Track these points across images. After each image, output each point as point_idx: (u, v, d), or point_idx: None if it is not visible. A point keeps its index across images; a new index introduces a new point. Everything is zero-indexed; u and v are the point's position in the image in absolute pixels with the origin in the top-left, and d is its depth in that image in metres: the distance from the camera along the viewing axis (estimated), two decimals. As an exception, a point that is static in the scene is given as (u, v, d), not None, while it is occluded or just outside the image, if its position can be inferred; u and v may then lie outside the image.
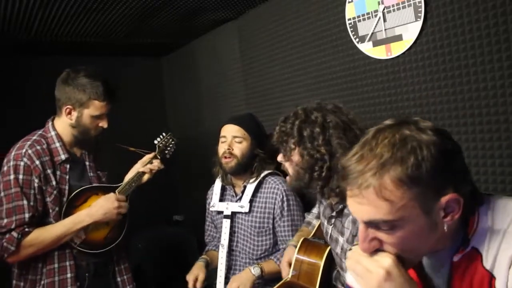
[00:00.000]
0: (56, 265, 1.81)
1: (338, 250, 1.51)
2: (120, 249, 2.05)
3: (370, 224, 0.86)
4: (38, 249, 1.74)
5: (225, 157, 2.05)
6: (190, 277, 2.03)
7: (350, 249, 0.95)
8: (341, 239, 1.49)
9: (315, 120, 1.44)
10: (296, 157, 1.47)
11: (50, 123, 1.90)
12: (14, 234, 1.69)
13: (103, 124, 1.91)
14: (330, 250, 1.62)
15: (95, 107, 1.84)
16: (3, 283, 1.92)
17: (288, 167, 1.52)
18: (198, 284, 2.01)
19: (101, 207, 1.84)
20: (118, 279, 2.03)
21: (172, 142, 2.25)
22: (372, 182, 0.81)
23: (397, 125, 0.86)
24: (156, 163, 2.06)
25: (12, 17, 2.17)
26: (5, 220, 1.70)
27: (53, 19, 2.29)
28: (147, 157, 2.09)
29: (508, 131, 1.37)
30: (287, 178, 1.56)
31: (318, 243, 1.68)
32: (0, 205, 1.73)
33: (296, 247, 1.75)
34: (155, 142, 2.19)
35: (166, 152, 2.22)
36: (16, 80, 2.90)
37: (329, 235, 1.57)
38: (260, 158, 2.08)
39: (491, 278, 0.84)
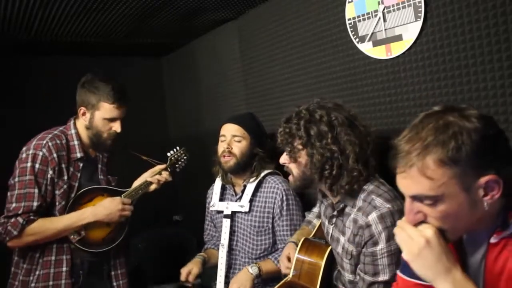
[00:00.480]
0: (53, 258, 1.85)
1: (339, 249, 1.50)
2: (119, 253, 2.07)
3: (415, 198, 0.95)
4: (39, 238, 1.80)
5: (224, 156, 2.05)
6: (183, 270, 2.04)
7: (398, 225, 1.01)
8: (342, 239, 1.49)
9: (320, 118, 1.42)
10: (303, 158, 1.45)
11: (72, 121, 1.98)
12: (20, 219, 1.76)
13: (116, 128, 1.95)
14: (331, 250, 1.62)
15: (105, 110, 1.90)
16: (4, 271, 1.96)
17: (293, 169, 1.51)
18: (191, 277, 2.02)
19: (105, 207, 1.89)
20: (114, 283, 2.05)
21: (184, 157, 2.30)
22: (416, 162, 0.90)
23: (443, 111, 0.94)
24: (165, 175, 2.10)
25: (12, 17, 2.17)
26: (14, 205, 1.77)
27: (53, 19, 2.29)
28: (158, 167, 2.13)
29: (508, 131, 1.37)
30: (290, 178, 1.55)
31: (319, 243, 1.68)
32: (12, 190, 1.81)
33: (295, 244, 1.75)
34: (168, 154, 2.23)
35: (177, 166, 2.26)
36: (16, 80, 2.90)
37: (330, 234, 1.57)
38: (259, 157, 2.09)
39: None
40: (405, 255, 0.98)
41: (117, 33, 2.72)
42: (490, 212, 0.93)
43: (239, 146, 2.05)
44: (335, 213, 1.52)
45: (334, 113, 1.44)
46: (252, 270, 1.93)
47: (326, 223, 1.61)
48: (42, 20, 2.29)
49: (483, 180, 0.89)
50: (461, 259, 1.02)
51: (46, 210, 1.84)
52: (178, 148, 2.28)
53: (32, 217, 1.78)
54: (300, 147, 1.44)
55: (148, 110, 3.57)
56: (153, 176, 2.07)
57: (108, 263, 2.04)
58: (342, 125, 1.41)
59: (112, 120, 1.92)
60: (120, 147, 2.13)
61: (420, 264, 0.95)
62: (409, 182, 0.93)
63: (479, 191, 0.90)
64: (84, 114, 1.93)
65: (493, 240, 0.95)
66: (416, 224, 0.97)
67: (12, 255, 1.89)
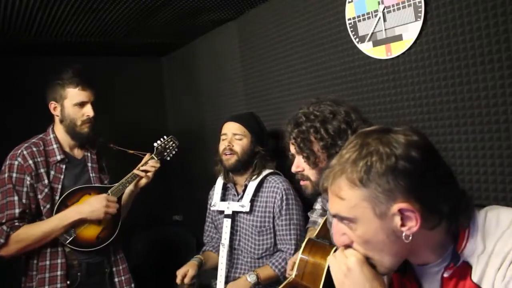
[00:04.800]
0: (47, 262, 1.88)
1: None
2: (118, 249, 2.07)
3: (336, 217, 0.93)
4: (28, 244, 1.82)
5: (226, 154, 2.07)
6: (179, 272, 2.04)
7: None
8: None
9: (333, 116, 1.35)
10: (323, 162, 1.37)
11: (50, 127, 2.00)
12: (4, 227, 1.79)
13: (88, 112, 1.95)
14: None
15: (72, 95, 1.93)
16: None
17: (311, 175, 1.42)
18: (186, 279, 2.02)
19: (89, 205, 1.90)
20: (116, 279, 2.05)
21: (173, 145, 2.26)
22: (333, 181, 0.91)
23: (372, 132, 0.92)
24: (151, 163, 2.08)
25: (12, 17, 2.17)
26: None
27: (53, 19, 2.29)
28: (144, 159, 2.11)
29: (508, 131, 1.37)
30: (306, 184, 1.46)
31: (323, 244, 1.68)
32: None
33: None
34: (155, 144, 2.20)
35: (166, 154, 2.23)
36: (16, 80, 2.90)
37: None
38: (260, 156, 2.10)
39: None
40: (335, 282, 0.96)
41: (117, 33, 2.72)
42: (425, 246, 0.90)
43: (240, 144, 2.06)
44: None
45: (340, 108, 1.37)
46: (250, 278, 1.94)
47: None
48: (42, 20, 2.28)
49: (396, 207, 0.85)
50: None
51: (34, 217, 1.87)
52: (165, 137, 2.26)
53: (16, 224, 1.80)
54: (321, 150, 1.37)
55: (148, 110, 3.57)
56: (140, 168, 2.07)
57: (108, 261, 2.04)
58: (357, 119, 1.34)
59: (81, 105, 1.94)
60: (107, 144, 2.14)
61: None
62: (330, 200, 0.93)
63: (395, 220, 0.86)
64: (55, 108, 1.96)
65: (446, 274, 0.91)
66: (346, 248, 0.95)
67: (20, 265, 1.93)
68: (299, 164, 1.43)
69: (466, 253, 0.89)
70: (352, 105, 1.45)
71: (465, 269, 0.88)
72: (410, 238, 0.87)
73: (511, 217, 0.89)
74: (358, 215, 0.88)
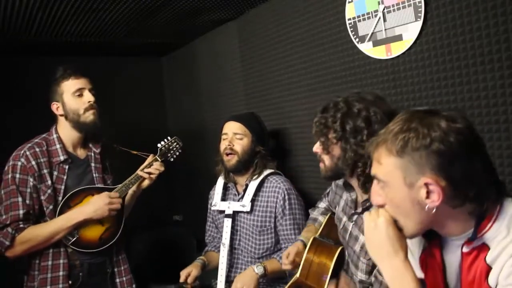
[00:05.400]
0: (49, 263, 1.87)
1: (357, 248, 1.48)
2: (119, 250, 2.07)
3: (374, 178, 1.05)
4: (33, 245, 1.82)
5: (227, 154, 2.07)
6: (183, 272, 2.05)
7: None
8: (362, 238, 1.46)
9: (358, 112, 1.36)
10: (337, 151, 1.41)
11: (53, 127, 2.00)
12: (9, 229, 1.79)
13: (87, 97, 1.96)
14: (340, 252, 1.61)
15: (67, 87, 1.94)
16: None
17: (326, 159, 1.46)
18: (190, 279, 2.02)
19: (92, 204, 1.89)
20: (117, 280, 2.05)
21: (177, 146, 2.24)
22: (376, 148, 1.03)
23: (416, 112, 1.01)
24: (156, 166, 2.07)
25: (12, 17, 2.17)
26: (3, 217, 1.81)
27: (53, 19, 2.29)
28: (147, 160, 2.10)
29: (508, 131, 1.37)
30: (321, 166, 1.49)
31: (328, 244, 1.68)
32: (0, 203, 1.84)
33: (303, 242, 1.76)
34: (158, 145, 2.19)
35: (169, 155, 2.21)
36: (16, 80, 2.90)
37: (348, 232, 1.54)
38: (261, 155, 2.10)
39: (488, 270, 0.94)
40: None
41: (117, 33, 2.72)
42: (445, 219, 0.99)
43: (241, 144, 2.06)
44: (359, 210, 1.49)
45: (373, 108, 1.36)
46: (258, 269, 1.92)
47: (345, 219, 1.58)
48: (42, 20, 2.28)
49: (423, 180, 0.95)
50: (442, 264, 1.08)
51: (38, 218, 1.86)
52: (169, 138, 2.25)
53: (21, 226, 1.81)
54: (334, 140, 1.39)
55: (148, 110, 3.57)
56: (144, 169, 2.06)
57: (110, 262, 2.04)
58: (380, 122, 1.33)
59: (79, 92, 1.94)
60: (111, 144, 2.13)
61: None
62: (372, 163, 1.05)
63: (421, 192, 0.96)
64: (57, 108, 1.96)
65: (465, 249, 1.00)
66: (379, 207, 1.06)
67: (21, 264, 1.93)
68: (316, 147, 1.48)
69: (488, 236, 0.96)
70: (393, 108, 1.42)
71: (484, 249, 0.96)
72: (434, 211, 0.96)
73: None
74: (390, 180, 1.00)
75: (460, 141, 0.94)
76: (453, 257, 1.05)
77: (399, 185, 0.98)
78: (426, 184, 0.95)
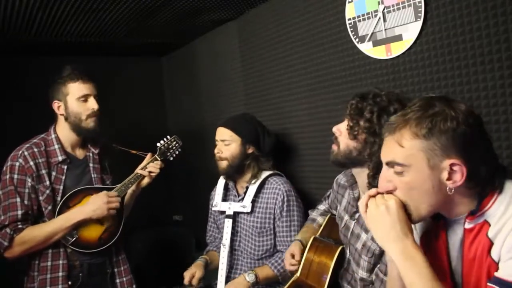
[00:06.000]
0: (49, 263, 1.87)
1: (359, 246, 1.49)
2: (119, 250, 2.07)
3: (388, 164, 1.05)
4: (32, 246, 1.81)
5: (217, 160, 2.09)
6: (187, 273, 2.05)
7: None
8: (364, 236, 1.48)
9: (395, 112, 1.33)
10: (360, 141, 1.40)
11: (52, 127, 1.99)
12: (7, 230, 1.78)
13: (92, 104, 1.95)
14: (340, 252, 1.61)
15: (73, 90, 1.92)
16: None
17: (343, 142, 1.44)
18: (194, 281, 2.02)
19: (91, 204, 1.88)
20: (117, 280, 2.04)
21: (176, 145, 2.25)
22: (396, 130, 1.02)
23: (436, 97, 1.04)
24: (155, 165, 2.08)
25: (12, 17, 2.17)
26: (1, 217, 1.80)
27: (53, 19, 2.29)
28: (146, 159, 2.10)
29: (508, 131, 1.37)
30: (333, 147, 1.48)
31: (329, 243, 1.69)
32: None
33: (301, 242, 1.76)
34: (158, 144, 2.19)
35: (169, 154, 2.22)
36: (16, 80, 2.90)
37: (350, 230, 1.55)
38: (253, 157, 2.09)
39: (491, 245, 0.97)
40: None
41: (117, 33, 2.72)
42: (458, 199, 1.02)
43: (228, 149, 2.07)
44: None
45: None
46: (249, 277, 1.93)
47: (347, 217, 1.59)
48: (42, 20, 2.28)
49: (448, 162, 0.97)
50: (447, 245, 1.11)
51: (37, 218, 1.86)
52: (168, 137, 2.26)
53: (20, 226, 1.80)
54: (364, 129, 1.39)
55: (148, 110, 3.57)
56: (143, 168, 2.07)
57: (110, 262, 2.04)
58: None
59: (84, 98, 1.94)
60: (110, 144, 2.13)
61: (376, 227, 1.06)
62: (387, 148, 1.05)
63: (443, 173, 0.98)
64: (59, 107, 1.95)
65: (467, 225, 1.03)
66: (386, 193, 1.07)
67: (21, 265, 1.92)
68: (340, 128, 1.46)
69: (490, 213, 0.99)
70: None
71: (485, 226, 0.99)
72: (452, 192, 0.99)
73: None
74: (413, 162, 1.00)
75: (477, 123, 0.99)
76: (455, 236, 1.07)
77: (422, 167, 0.99)
78: (451, 165, 0.97)
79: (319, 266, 1.64)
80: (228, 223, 2.12)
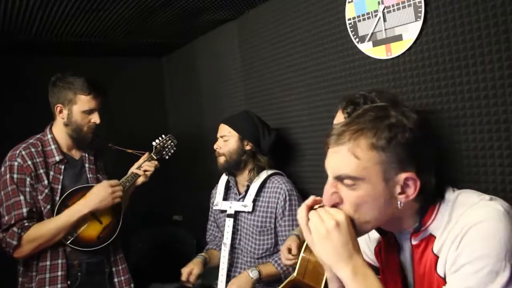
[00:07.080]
0: (48, 263, 1.86)
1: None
2: (117, 249, 2.07)
3: (337, 178, 0.96)
4: (41, 243, 1.81)
5: (216, 156, 2.13)
6: (184, 270, 2.05)
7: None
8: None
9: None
10: None
11: (48, 128, 1.99)
12: (15, 229, 1.78)
13: (95, 119, 1.96)
14: None
15: (82, 102, 1.91)
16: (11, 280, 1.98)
17: None
18: (192, 277, 2.02)
19: (96, 195, 1.89)
20: (116, 280, 2.05)
21: (171, 144, 2.27)
22: (348, 140, 0.94)
23: (387, 106, 1.00)
24: (150, 164, 2.09)
25: (12, 17, 2.17)
26: (6, 217, 1.79)
27: (53, 19, 2.29)
28: (142, 158, 2.12)
29: (508, 131, 1.37)
30: None
31: None
32: (1, 204, 1.83)
33: (298, 236, 1.77)
34: (153, 143, 2.21)
35: (164, 153, 2.24)
36: (16, 80, 2.90)
37: None
38: (250, 153, 2.10)
39: (436, 260, 0.94)
40: (313, 237, 0.97)
41: (117, 33, 2.72)
42: (405, 214, 0.98)
43: (226, 145, 2.10)
44: None
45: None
46: (253, 274, 1.93)
47: None
48: (42, 20, 2.28)
49: (403, 175, 0.93)
50: (398, 261, 1.08)
51: (38, 215, 1.86)
52: (164, 136, 2.28)
53: (26, 224, 1.79)
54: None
55: (148, 110, 3.57)
56: (139, 167, 2.08)
57: (108, 261, 2.04)
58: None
59: (90, 112, 1.94)
60: (106, 144, 2.14)
61: (325, 246, 0.94)
62: (337, 159, 0.96)
63: (396, 187, 0.94)
64: (61, 111, 1.94)
65: (413, 241, 1.00)
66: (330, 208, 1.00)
67: (18, 266, 1.92)
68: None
69: (434, 226, 0.96)
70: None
71: (431, 240, 0.96)
72: (401, 205, 0.94)
73: (480, 197, 0.95)
74: (367, 176, 0.93)
75: (428, 131, 0.97)
76: (405, 253, 1.04)
77: (376, 180, 0.93)
78: (405, 179, 0.93)
79: (316, 265, 1.64)
80: (229, 222, 2.12)
